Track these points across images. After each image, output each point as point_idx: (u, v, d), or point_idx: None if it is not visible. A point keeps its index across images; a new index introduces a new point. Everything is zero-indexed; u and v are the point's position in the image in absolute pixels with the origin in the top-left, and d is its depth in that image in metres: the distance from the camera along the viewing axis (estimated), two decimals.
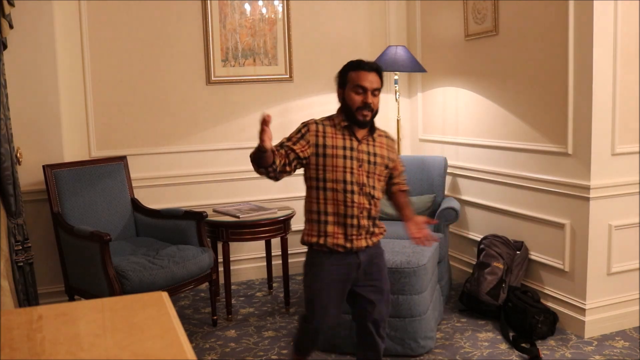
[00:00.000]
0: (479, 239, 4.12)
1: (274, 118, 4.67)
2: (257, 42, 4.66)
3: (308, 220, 2.62)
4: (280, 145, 2.55)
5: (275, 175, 2.51)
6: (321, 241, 2.56)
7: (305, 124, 2.60)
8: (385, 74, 4.92)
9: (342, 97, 2.65)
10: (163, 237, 3.90)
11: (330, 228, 2.56)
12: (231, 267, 4.41)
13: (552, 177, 3.65)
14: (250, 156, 2.47)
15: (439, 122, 4.77)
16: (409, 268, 3.24)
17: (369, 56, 4.81)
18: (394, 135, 2.75)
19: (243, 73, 4.64)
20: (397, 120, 4.68)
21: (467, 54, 4.35)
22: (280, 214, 4.04)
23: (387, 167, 2.63)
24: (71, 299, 3.71)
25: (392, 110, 4.98)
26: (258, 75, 4.68)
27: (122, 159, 4.13)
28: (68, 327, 1.60)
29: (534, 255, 3.84)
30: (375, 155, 2.59)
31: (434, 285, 3.59)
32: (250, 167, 4.94)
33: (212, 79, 4.55)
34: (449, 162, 4.53)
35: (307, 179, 2.61)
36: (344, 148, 2.55)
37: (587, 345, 3.39)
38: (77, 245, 3.48)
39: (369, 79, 2.55)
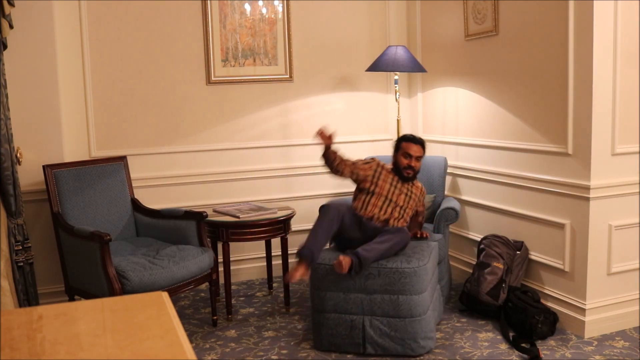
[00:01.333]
0: (479, 239, 4.12)
1: (274, 118, 4.74)
2: (257, 42, 4.66)
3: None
4: (353, 162, 3.68)
5: (336, 167, 3.60)
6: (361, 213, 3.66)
7: (373, 159, 3.79)
8: (385, 74, 4.97)
9: (394, 158, 3.78)
10: (163, 237, 3.90)
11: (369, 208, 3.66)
12: (231, 267, 4.41)
13: (552, 177, 3.65)
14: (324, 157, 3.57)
15: (439, 122, 4.77)
16: (409, 268, 3.24)
17: (369, 56, 4.84)
18: (423, 188, 3.92)
19: (243, 73, 4.65)
20: (397, 120, 4.68)
21: (467, 54, 4.36)
22: (280, 214, 4.04)
23: (414, 206, 3.78)
24: (71, 299, 3.71)
25: (392, 110, 4.99)
26: (258, 75, 4.68)
27: (122, 159, 4.13)
28: (68, 327, 1.60)
29: (534, 255, 3.84)
30: (409, 195, 3.73)
31: (434, 285, 3.59)
32: (250, 167, 4.98)
33: (212, 79, 4.56)
34: (449, 162, 4.53)
35: (360, 188, 3.75)
36: (390, 185, 3.71)
37: (587, 345, 3.39)
38: (77, 245, 3.48)
39: (414, 149, 3.72)
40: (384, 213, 3.61)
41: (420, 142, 3.78)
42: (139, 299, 1.78)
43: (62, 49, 3.99)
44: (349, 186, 4.86)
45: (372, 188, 3.66)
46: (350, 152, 4.94)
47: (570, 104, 3.46)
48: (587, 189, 3.40)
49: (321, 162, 3.60)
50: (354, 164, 3.67)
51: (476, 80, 4.28)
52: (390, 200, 3.65)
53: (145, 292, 2.06)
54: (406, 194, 3.71)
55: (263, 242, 4.52)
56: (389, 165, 3.79)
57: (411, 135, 3.83)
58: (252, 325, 3.85)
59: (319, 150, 3.59)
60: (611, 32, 3.33)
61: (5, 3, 3.49)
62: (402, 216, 3.67)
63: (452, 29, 4.49)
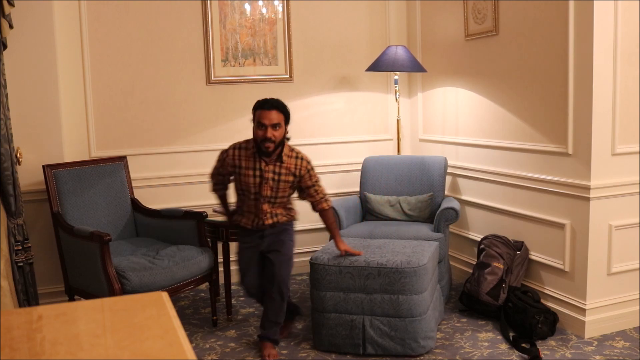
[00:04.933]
0: (479, 239, 4.12)
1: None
2: (257, 42, 4.66)
3: (236, 210, 3.55)
4: (216, 176, 3.54)
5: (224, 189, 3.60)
6: (241, 223, 3.47)
7: (225, 151, 3.42)
8: (385, 74, 4.97)
9: (253, 131, 3.33)
10: (163, 237, 3.90)
11: (244, 218, 3.46)
12: (231, 267, 4.40)
13: (552, 177, 3.65)
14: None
15: (439, 122, 4.77)
16: (409, 268, 3.24)
17: (369, 56, 4.83)
18: (306, 156, 3.44)
19: (243, 73, 4.64)
20: (397, 120, 4.69)
21: (467, 54, 4.35)
22: None
23: (292, 182, 3.37)
24: (71, 299, 3.70)
25: (392, 110, 4.99)
26: (258, 75, 4.68)
27: (122, 159, 4.12)
28: (68, 327, 1.60)
29: (534, 255, 3.84)
30: (279, 174, 3.33)
31: (434, 285, 3.59)
32: None
33: (212, 79, 4.55)
34: (449, 162, 4.53)
35: (234, 187, 3.47)
36: (253, 169, 3.32)
37: (587, 346, 3.39)
38: (77, 245, 3.48)
39: (269, 117, 3.23)
40: (264, 216, 3.37)
41: (276, 106, 3.26)
42: (139, 299, 1.78)
43: (62, 49, 3.99)
44: (349, 186, 4.87)
45: (238, 186, 3.40)
46: (350, 152, 4.95)
47: (570, 104, 3.46)
48: (587, 189, 3.40)
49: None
50: (217, 176, 3.53)
51: (476, 80, 4.28)
52: (263, 195, 3.33)
53: (145, 292, 2.06)
54: (274, 177, 3.31)
55: None
56: (250, 143, 3.35)
57: (264, 100, 3.30)
58: (252, 325, 3.84)
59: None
60: (611, 32, 3.32)
61: (5, 3, 3.49)
62: (281, 206, 3.41)
63: (452, 29, 4.49)
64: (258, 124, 3.24)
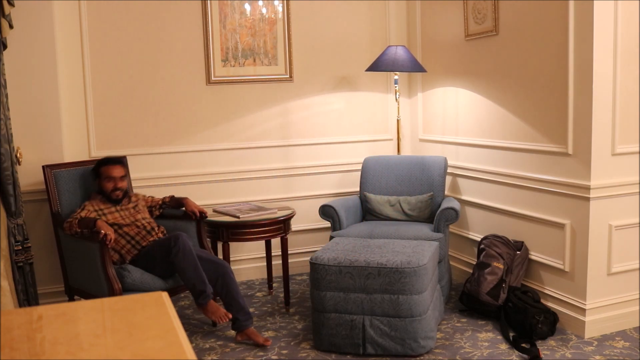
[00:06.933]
0: (479, 239, 4.12)
1: (274, 118, 4.73)
2: (257, 42, 4.66)
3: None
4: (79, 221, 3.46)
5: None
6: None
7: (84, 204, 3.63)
8: (385, 74, 4.97)
9: (99, 186, 3.70)
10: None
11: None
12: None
13: (552, 177, 3.65)
14: (80, 224, 3.39)
15: (439, 122, 4.77)
16: (409, 268, 3.24)
17: (369, 56, 4.83)
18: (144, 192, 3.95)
19: (243, 73, 4.64)
20: (397, 120, 4.69)
21: (467, 54, 4.36)
22: (280, 214, 4.04)
23: (147, 205, 3.86)
24: (71, 299, 3.70)
25: (392, 110, 4.99)
26: (258, 75, 4.68)
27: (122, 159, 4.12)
28: (68, 327, 1.60)
29: (534, 255, 3.84)
30: (136, 204, 3.78)
31: (434, 285, 3.59)
32: (250, 167, 4.98)
33: (212, 79, 4.55)
34: (449, 162, 4.53)
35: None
36: (117, 212, 3.64)
37: (588, 346, 3.39)
38: (77, 245, 3.48)
39: (116, 171, 3.67)
40: (142, 237, 3.59)
41: (120, 162, 3.74)
42: (139, 299, 1.78)
43: (62, 49, 3.99)
44: (349, 186, 4.87)
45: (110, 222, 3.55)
46: (350, 152, 4.96)
47: (570, 104, 3.46)
48: (587, 189, 3.40)
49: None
50: (77, 217, 3.47)
51: (476, 80, 4.28)
52: (135, 223, 3.63)
53: (145, 292, 2.06)
54: (135, 209, 3.71)
55: (263, 242, 4.52)
56: (97, 197, 3.67)
57: (106, 157, 3.77)
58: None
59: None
60: (611, 32, 3.33)
61: (5, 3, 3.49)
62: (153, 227, 3.67)
63: (452, 29, 4.49)
64: (107, 178, 3.65)
